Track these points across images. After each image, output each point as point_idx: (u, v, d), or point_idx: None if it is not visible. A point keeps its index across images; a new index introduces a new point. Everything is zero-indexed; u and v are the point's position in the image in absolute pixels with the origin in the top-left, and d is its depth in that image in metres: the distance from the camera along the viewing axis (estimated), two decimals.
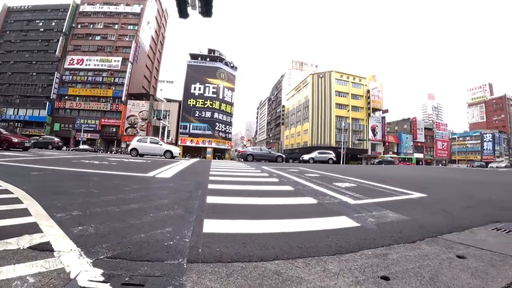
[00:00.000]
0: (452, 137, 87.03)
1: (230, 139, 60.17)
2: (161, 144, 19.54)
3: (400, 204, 4.39)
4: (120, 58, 52.85)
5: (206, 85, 54.93)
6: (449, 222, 3.28)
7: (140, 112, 52.15)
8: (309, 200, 4.41)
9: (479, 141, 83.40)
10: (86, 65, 53.11)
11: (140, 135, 42.04)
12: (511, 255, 2.21)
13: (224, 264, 1.79)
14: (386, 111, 65.07)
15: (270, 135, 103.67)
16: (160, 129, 41.58)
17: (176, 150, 19.62)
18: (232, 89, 59.90)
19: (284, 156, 25.57)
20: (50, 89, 51.71)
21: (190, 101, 53.73)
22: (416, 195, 5.44)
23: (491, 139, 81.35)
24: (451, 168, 34.11)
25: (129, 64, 52.12)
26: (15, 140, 16.40)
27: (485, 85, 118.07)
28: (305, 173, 9.97)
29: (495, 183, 9.23)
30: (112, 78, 52.87)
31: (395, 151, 66.03)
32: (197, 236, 2.33)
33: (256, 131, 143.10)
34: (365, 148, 60.58)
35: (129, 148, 19.71)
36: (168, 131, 41.02)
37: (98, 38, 55.17)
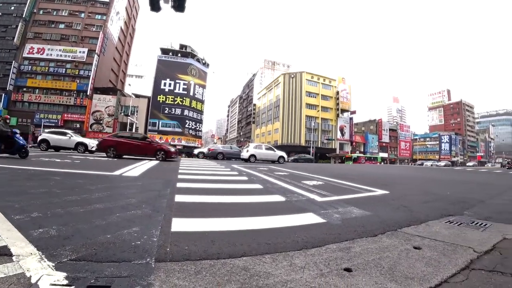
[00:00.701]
0: (414, 138, 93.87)
1: (200, 137, 59.10)
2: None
3: (364, 201, 4.63)
4: (86, 49, 48.91)
5: (177, 81, 53.34)
6: (408, 217, 3.53)
7: (106, 107, 49.04)
8: (278, 198, 4.51)
9: (437, 142, 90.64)
10: (47, 54, 48.29)
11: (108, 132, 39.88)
12: (461, 244, 2.44)
13: (193, 262, 1.79)
14: (354, 112, 68.30)
15: (241, 134, 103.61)
16: (128, 126, 39.72)
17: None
18: (203, 86, 58.85)
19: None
20: (6, 80, 46.41)
21: (160, 98, 51.93)
22: (379, 192, 5.77)
23: (448, 141, 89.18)
24: (412, 166, 36.51)
25: (96, 56, 48.53)
26: None
27: (444, 91, 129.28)
28: (275, 171, 10.14)
29: (450, 181, 10.04)
30: (77, 70, 48.70)
31: (362, 150, 69.24)
32: (166, 235, 2.30)
33: (227, 129, 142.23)
34: (333, 147, 62.83)
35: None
36: (137, 128, 39.29)
37: (62, 26, 50.52)
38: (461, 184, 8.92)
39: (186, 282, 1.52)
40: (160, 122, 51.37)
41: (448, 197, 5.69)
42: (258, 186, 5.93)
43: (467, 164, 69.60)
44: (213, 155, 22.15)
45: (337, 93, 65.57)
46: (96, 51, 48.61)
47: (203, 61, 59.66)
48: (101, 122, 48.70)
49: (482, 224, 3.25)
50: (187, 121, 53.49)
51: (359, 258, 2.03)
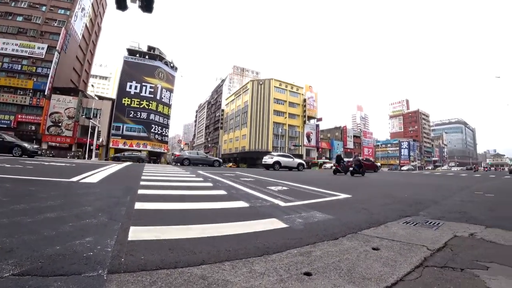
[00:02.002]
0: (376, 144, 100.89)
1: (166, 142, 57.34)
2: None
3: (327, 205, 4.74)
4: (45, 46, 44.82)
5: (143, 84, 51.37)
6: (368, 219, 3.66)
7: (66, 109, 45.31)
8: (242, 204, 4.47)
9: (398, 148, 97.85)
10: (2, 49, 43.08)
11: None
12: (416, 243, 2.56)
13: (148, 272, 1.70)
14: (320, 119, 71.15)
15: (209, 139, 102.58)
16: (90, 129, 37.28)
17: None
18: (171, 90, 57.32)
19: (221, 160, 25.78)
20: None
21: (125, 100, 49.55)
22: (342, 196, 5.96)
23: (407, 146, 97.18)
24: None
25: (56, 53, 44.53)
26: None
27: (403, 100, 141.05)
28: (241, 177, 10.10)
29: (408, 184, 10.71)
30: (34, 68, 44.21)
31: (328, 156, 71.83)
32: (121, 245, 2.16)
33: (194, 134, 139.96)
34: (300, 153, 64.38)
35: None
36: (99, 132, 36.93)
37: (20, 19, 45.80)
38: (418, 187, 9.54)
39: None
40: (125, 126, 49.04)
41: (406, 199, 6.03)
42: (222, 192, 5.86)
43: (426, 168, 75.16)
44: (179, 161, 22.03)
45: (304, 100, 67.85)
46: (57, 48, 44.74)
47: (171, 65, 58.28)
48: (60, 124, 44.99)
49: (435, 223, 3.47)
50: (153, 125, 51.72)
51: (320, 261, 2.04)
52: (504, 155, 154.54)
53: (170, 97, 56.89)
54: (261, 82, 66.18)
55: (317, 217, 3.65)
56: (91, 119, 38.20)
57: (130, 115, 49.62)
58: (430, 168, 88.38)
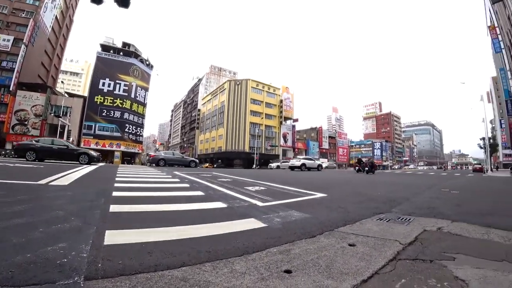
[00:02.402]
0: (351, 145, 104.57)
1: (141, 142, 55.30)
2: None
3: (304, 204, 4.84)
4: (11, 37, 41.27)
5: (117, 81, 49.07)
6: (344, 217, 3.79)
7: (33, 106, 42.14)
8: (220, 205, 4.45)
9: (371, 148, 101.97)
10: None
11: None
12: (389, 238, 2.70)
13: (127, 277, 1.65)
14: (296, 120, 72.36)
15: (185, 139, 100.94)
16: (59, 128, 35.13)
17: None
18: (146, 89, 55.40)
19: (197, 161, 25.53)
20: None
21: (98, 98, 47.05)
22: (319, 195, 6.10)
23: (379, 147, 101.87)
24: (347, 170, 39.68)
25: (23, 46, 41.06)
26: None
27: (376, 103, 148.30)
28: (218, 178, 10.04)
29: (380, 182, 11.15)
30: None
31: (304, 156, 73.07)
32: (97, 250, 2.09)
33: (170, 134, 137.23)
34: (276, 153, 65.12)
35: None
36: (69, 131, 34.80)
37: None
38: (391, 185, 9.95)
39: None
40: (97, 126, 46.64)
41: (379, 197, 6.28)
42: (200, 193, 5.80)
43: (404, 168, 78.51)
44: (154, 162, 21.70)
45: (281, 101, 68.66)
46: (24, 41, 41.43)
47: (147, 62, 56.32)
48: (26, 123, 41.86)
49: (406, 219, 3.66)
50: (127, 125, 49.66)
51: (299, 259, 2.10)
52: (468, 155, 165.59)
53: (145, 95, 55.06)
54: (238, 82, 66.20)
55: (295, 216, 3.72)
56: (61, 117, 36.06)
57: (103, 114, 47.33)
58: (397, 167, 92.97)
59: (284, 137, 68.88)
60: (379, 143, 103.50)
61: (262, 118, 64.63)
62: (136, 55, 53.60)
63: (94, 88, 47.90)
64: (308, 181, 10.48)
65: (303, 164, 25.65)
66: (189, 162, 23.13)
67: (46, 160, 15.18)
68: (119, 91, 49.32)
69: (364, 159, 27.28)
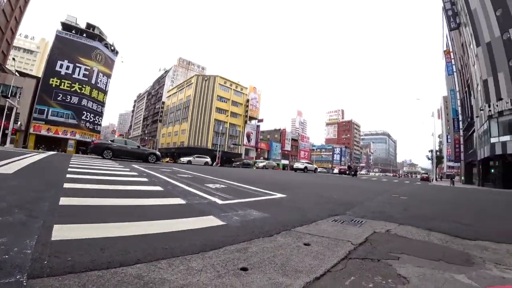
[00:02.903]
0: (312, 148, 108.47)
1: (99, 132, 51.21)
2: None
3: (263, 204, 4.93)
4: None
5: (77, 65, 45.03)
6: (301, 217, 3.92)
7: None
8: (179, 201, 4.38)
9: (331, 153, 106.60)
10: None
11: None
12: (342, 239, 2.85)
13: (77, 275, 1.56)
14: (261, 120, 73.17)
15: (146, 132, 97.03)
16: (6, 110, 31.40)
17: None
18: (109, 75, 51.59)
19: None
20: None
21: (53, 81, 42.84)
22: (278, 195, 6.24)
23: (339, 152, 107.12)
24: (310, 173, 40.92)
25: None
26: None
27: (339, 110, 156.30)
28: (178, 173, 9.84)
29: (338, 186, 11.69)
30: None
31: (266, 157, 74.08)
32: (43, 246, 1.94)
33: (131, 125, 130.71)
34: (239, 152, 65.32)
35: None
36: (17, 114, 31.06)
37: None
38: (348, 189, 10.48)
39: None
40: (51, 110, 42.43)
41: (336, 200, 6.60)
42: (158, 188, 5.66)
43: (361, 173, 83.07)
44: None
45: (247, 100, 68.99)
46: None
47: (112, 47, 52.47)
48: None
49: (359, 221, 3.89)
50: (84, 112, 45.88)
51: (255, 257, 2.14)
52: (417, 165, 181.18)
53: (107, 82, 51.40)
54: (206, 78, 65.37)
55: (254, 215, 3.77)
56: (8, 98, 32.30)
57: (58, 98, 43.27)
58: (363, 172, 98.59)
59: (248, 136, 69.32)
60: (339, 149, 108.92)
61: (227, 116, 64.45)
62: (100, 38, 49.83)
63: (50, 69, 43.57)
64: (270, 181, 10.64)
65: (305, 167, 33.17)
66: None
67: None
68: (78, 75, 45.48)
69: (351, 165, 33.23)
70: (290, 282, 1.71)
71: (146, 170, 9.71)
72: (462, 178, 42.35)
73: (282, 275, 1.81)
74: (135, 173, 8.28)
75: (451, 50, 45.52)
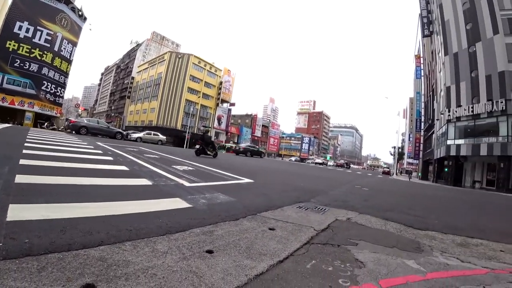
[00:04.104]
0: (282, 136, 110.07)
1: (60, 105, 46.88)
2: None
3: (230, 188, 4.97)
4: None
5: (39, 28, 39.93)
6: (267, 203, 4.02)
7: None
8: (145, 182, 4.29)
9: (300, 142, 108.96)
10: None
11: None
12: (305, 225, 2.98)
13: (35, 258, 1.48)
14: (233, 104, 72.55)
15: (112, 108, 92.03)
16: None
17: None
18: (74, 43, 46.74)
19: (124, 133, 23.80)
20: None
21: (10, 44, 37.73)
22: (246, 180, 6.32)
23: (308, 142, 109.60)
24: (277, 160, 41.70)
25: None
26: None
27: (311, 101, 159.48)
28: (144, 153, 9.58)
29: (305, 175, 12.04)
30: None
31: (236, 141, 74.14)
32: None
33: (97, 100, 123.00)
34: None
35: None
36: None
37: None
38: (314, 178, 10.83)
39: (25, 283, 1.24)
40: (6, 77, 37.48)
41: (302, 187, 6.81)
42: (124, 168, 5.48)
43: (329, 164, 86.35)
44: (74, 129, 19.81)
45: (221, 83, 67.85)
46: None
47: (80, 12, 47.37)
48: None
49: (322, 209, 4.07)
50: (45, 82, 41.50)
51: (221, 240, 2.18)
52: (380, 159, 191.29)
53: (72, 51, 46.86)
54: (179, 56, 63.09)
55: (221, 198, 3.80)
56: None
57: (15, 65, 38.42)
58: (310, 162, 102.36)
59: (219, 119, 68.64)
60: (308, 138, 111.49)
61: (199, 97, 63.14)
62: (67, 0, 44.99)
63: (7, 30, 38.56)
64: (238, 166, 10.69)
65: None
66: (115, 133, 21.96)
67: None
68: (39, 40, 40.90)
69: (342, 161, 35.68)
70: (254, 265, 1.76)
71: (112, 149, 9.34)
72: (419, 174, 45.49)
73: (247, 258, 1.86)
74: (99, 151, 7.93)
75: (421, 55, 47.95)
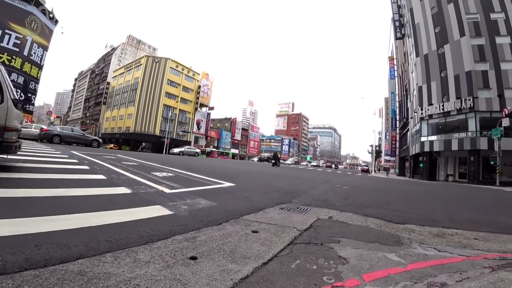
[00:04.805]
0: (262, 138, 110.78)
1: (31, 113, 44.54)
2: None
3: (212, 192, 4.94)
4: None
5: (7, 31, 37.25)
6: (249, 206, 4.03)
7: None
8: (123, 190, 4.18)
9: (280, 144, 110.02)
10: None
11: None
12: (288, 226, 3.01)
13: (10, 276, 1.40)
14: (212, 108, 72.25)
15: (88, 114, 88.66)
16: None
17: None
18: (45, 48, 44.16)
19: (100, 140, 22.91)
20: None
21: None
22: (227, 184, 6.31)
23: (288, 143, 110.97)
24: (255, 162, 41.81)
25: None
26: None
27: (290, 103, 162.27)
28: (122, 161, 9.33)
29: (286, 176, 12.14)
30: None
31: (216, 145, 73.71)
32: None
33: (70, 106, 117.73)
34: (188, 140, 63.82)
35: None
36: None
37: None
38: (294, 179, 10.94)
39: None
40: None
41: (283, 189, 6.86)
42: (101, 176, 5.31)
43: (311, 164, 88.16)
44: (46, 138, 19.09)
45: (199, 87, 67.37)
46: None
47: (51, 15, 44.78)
48: None
49: (304, 209, 4.14)
50: (14, 88, 39.63)
51: (204, 246, 2.16)
52: (358, 158, 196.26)
53: (43, 55, 44.35)
54: (156, 60, 62.05)
55: (202, 204, 3.77)
56: None
57: None
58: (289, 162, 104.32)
59: (198, 124, 67.97)
60: (288, 140, 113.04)
61: (177, 101, 62.31)
62: (38, 3, 42.54)
63: None
64: (218, 170, 10.62)
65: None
66: (90, 141, 21.18)
67: None
68: (7, 44, 38.42)
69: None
70: (239, 269, 1.76)
71: (88, 157, 9.04)
72: (396, 170, 47.09)
73: (231, 262, 1.86)
74: (75, 160, 7.65)
75: (395, 57, 49.90)
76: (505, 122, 19.40)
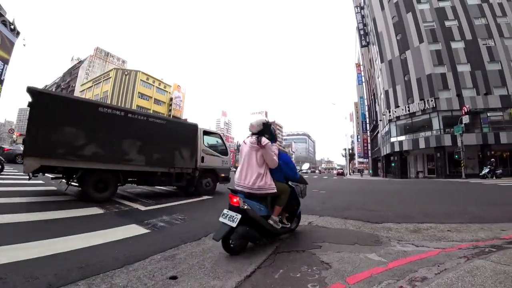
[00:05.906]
0: (236, 148, 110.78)
1: None
2: None
3: (189, 207, 4.84)
4: None
5: None
6: None
7: None
8: (95, 210, 3.99)
9: None
10: None
11: None
12: None
13: None
14: (185, 120, 71.11)
15: None
16: None
17: None
18: (6, 61, 40.90)
19: None
20: None
21: None
22: (205, 197, 6.20)
23: None
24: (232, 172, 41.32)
25: None
26: None
27: (263, 111, 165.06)
28: None
29: None
30: None
31: None
32: None
33: None
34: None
35: None
36: None
37: None
38: None
39: None
40: None
41: None
42: (71, 197, 5.07)
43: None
44: (9, 158, 16.46)
45: (171, 99, 66.24)
46: None
47: (12, 26, 41.59)
48: None
49: None
50: None
51: (184, 263, 2.08)
52: (333, 161, 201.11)
53: (3, 69, 41.52)
54: (126, 72, 60.37)
55: (179, 219, 3.67)
56: None
57: None
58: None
59: None
60: None
61: None
62: None
63: None
64: None
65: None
66: None
67: None
68: None
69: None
70: (221, 284, 1.71)
71: (55, 177, 8.47)
72: (370, 171, 48.51)
73: (214, 278, 1.80)
74: (40, 181, 7.16)
75: (361, 63, 52.16)
76: (465, 119, 20.86)
